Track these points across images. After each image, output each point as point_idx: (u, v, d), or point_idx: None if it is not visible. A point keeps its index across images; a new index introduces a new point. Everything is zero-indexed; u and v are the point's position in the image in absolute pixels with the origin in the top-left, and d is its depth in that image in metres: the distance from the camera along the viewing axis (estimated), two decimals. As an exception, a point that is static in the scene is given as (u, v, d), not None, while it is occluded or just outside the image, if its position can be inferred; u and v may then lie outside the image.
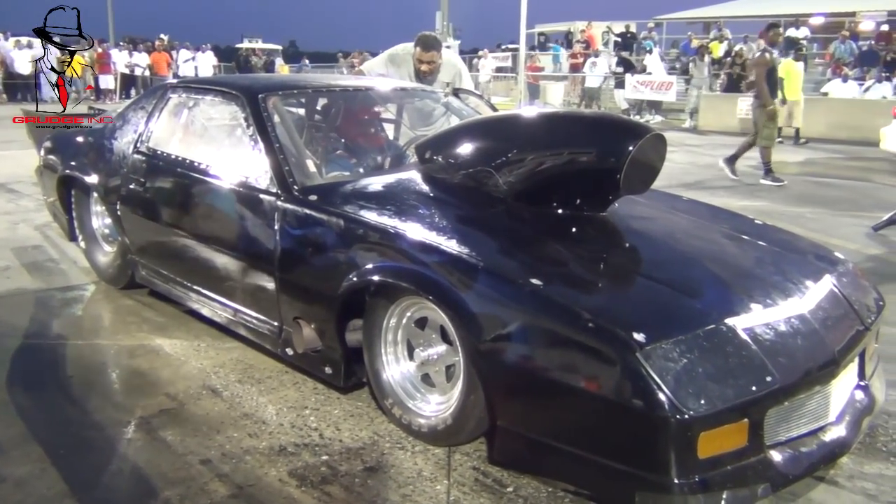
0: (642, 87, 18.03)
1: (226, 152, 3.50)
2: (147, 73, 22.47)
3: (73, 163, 4.44)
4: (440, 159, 3.28)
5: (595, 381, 2.14)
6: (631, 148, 2.77)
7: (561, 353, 2.24)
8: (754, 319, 2.33)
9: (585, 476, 2.25)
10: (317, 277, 2.92)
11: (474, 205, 3.04)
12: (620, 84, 18.60)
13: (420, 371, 2.77)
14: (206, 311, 3.59)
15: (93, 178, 4.23)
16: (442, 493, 2.37)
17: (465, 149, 3.24)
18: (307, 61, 31.72)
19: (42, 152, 4.84)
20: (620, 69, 19.11)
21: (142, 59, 22.76)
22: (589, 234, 2.88)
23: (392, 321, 2.77)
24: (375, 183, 3.26)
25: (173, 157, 3.76)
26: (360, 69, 5.19)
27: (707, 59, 17.19)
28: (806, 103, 14.32)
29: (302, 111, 4.02)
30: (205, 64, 24.09)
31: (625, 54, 20.44)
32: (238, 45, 33.38)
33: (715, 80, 16.57)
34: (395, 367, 2.80)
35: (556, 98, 20.66)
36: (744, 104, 15.06)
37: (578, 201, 2.96)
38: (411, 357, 2.78)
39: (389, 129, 4.20)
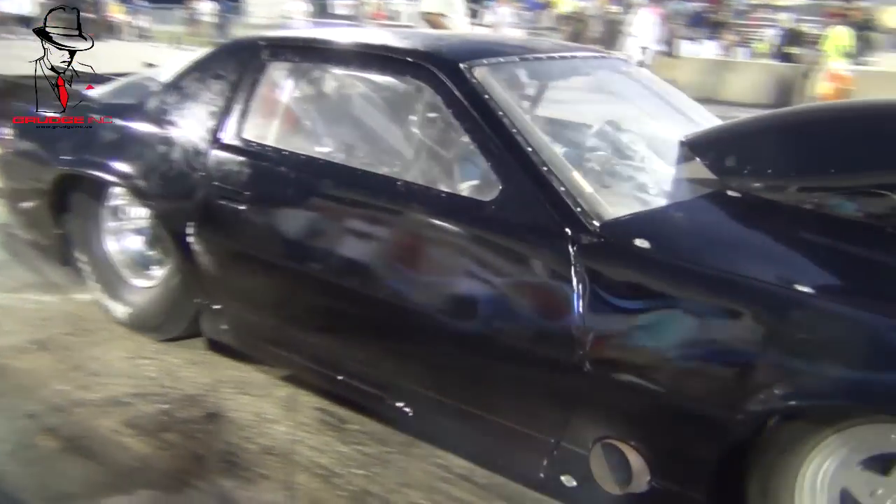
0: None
1: (422, 159, 2.40)
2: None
3: (84, 156, 2.96)
4: (762, 170, 2.17)
5: None
6: None
7: None
8: None
9: None
10: (693, 387, 1.77)
11: (865, 244, 1.99)
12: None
13: None
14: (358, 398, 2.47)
15: (137, 183, 2.79)
16: (284, 434, 2.39)
17: (815, 156, 2.15)
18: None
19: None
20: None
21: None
22: None
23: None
24: (689, 210, 2.14)
25: (302, 157, 2.50)
26: (435, 18, 4.90)
27: None
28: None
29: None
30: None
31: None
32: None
33: None
34: None
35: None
36: None
37: None
38: None
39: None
